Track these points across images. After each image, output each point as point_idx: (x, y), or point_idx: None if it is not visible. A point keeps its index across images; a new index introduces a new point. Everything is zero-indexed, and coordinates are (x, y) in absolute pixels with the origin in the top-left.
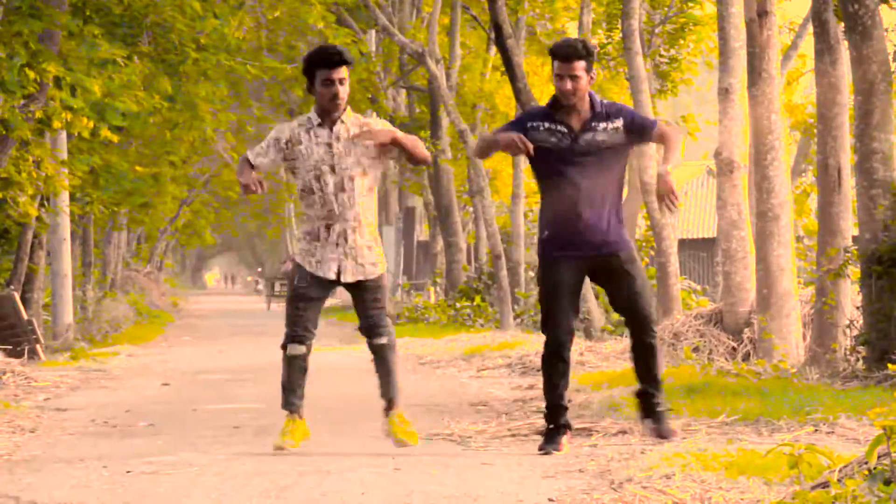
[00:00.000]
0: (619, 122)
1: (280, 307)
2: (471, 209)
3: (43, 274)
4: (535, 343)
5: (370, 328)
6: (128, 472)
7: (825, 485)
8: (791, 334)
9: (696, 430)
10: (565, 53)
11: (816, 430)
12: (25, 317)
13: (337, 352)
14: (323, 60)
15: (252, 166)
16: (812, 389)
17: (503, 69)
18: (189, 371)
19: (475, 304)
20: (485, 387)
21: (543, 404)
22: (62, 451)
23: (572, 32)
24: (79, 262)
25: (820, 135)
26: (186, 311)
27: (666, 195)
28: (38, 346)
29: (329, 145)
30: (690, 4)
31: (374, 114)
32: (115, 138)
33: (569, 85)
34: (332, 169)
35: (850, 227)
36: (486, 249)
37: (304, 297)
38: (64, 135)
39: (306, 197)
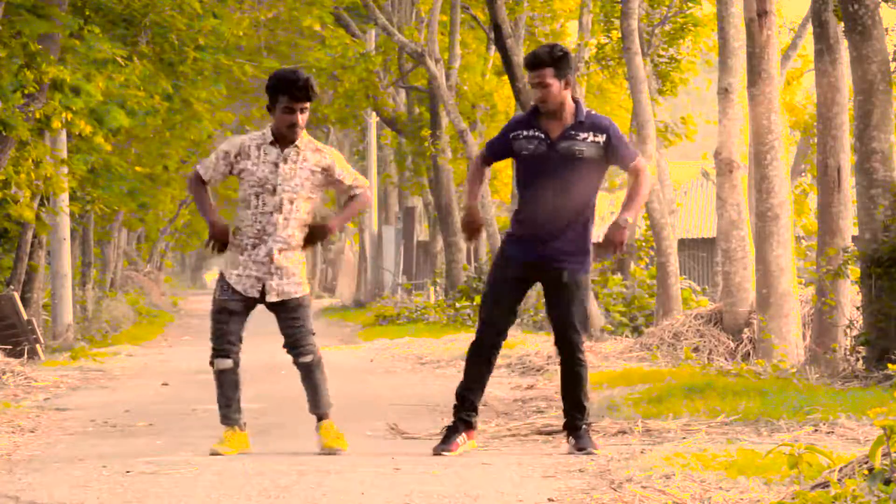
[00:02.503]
0: (602, 138)
1: None
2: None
3: (43, 274)
4: (534, 343)
5: (293, 346)
6: (128, 472)
7: (825, 485)
8: (791, 334)
9: (696, 430)
10: (530, 62)
11: (816, 430)
12: (25, 317)
13: (337, 352)
14: (287, 90)
15: (204, 183)
16: (812, 389)
17: (503, 69)
18: (189, 371)
19: (475, 303)
20: None
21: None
22: (62, 451)
23: (572, 32)
24: (78, 261)
25: (820, 135)
26: (186, 311)
27: (613, 245)
28: (38, 346)
29: (276, 165)
30: (690, 5)
31: (375, 113)
32: (109, 147)
33: (539, 93)
34: (274, 189)
35: (849, 227)
36: (486, 249)
37: (225, 310)
38: (64, 135)
39: (242, 210)
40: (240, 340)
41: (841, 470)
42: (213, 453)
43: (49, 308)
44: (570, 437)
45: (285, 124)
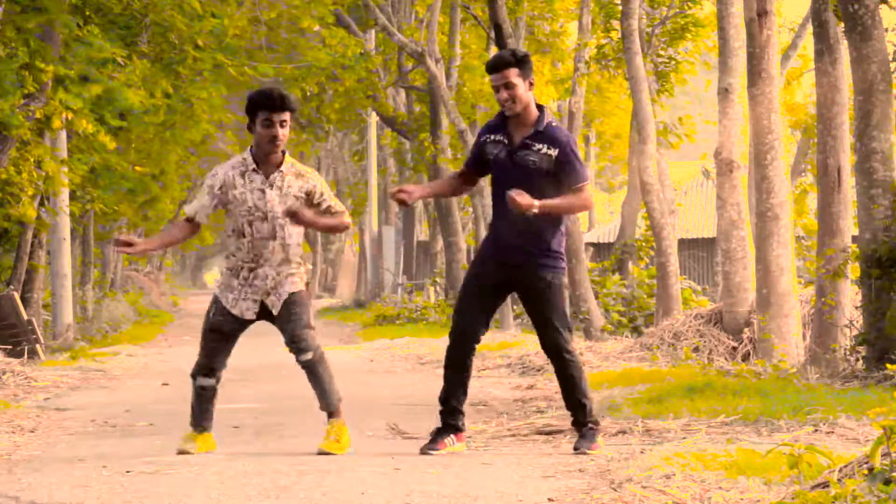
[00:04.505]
0: (555, 152)
1: None
2: (470, 209)
3: (43, 274)
4: (534, 343)
5: (291, 342)
6: (128, 472)
7: (825, 485)
8: (791, 334)
9: (696, 430)
10: (493, 64)
11: (816, 430)
12: (25, 317)
13: (337, 351)
14: (265, 103)
15: (189, 221)
16: (812, 389)
17: None
18: (189, 371)
19: None
20: (485, 387)
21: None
22: (62, 451)
23: (572, 32)
24: (79, 261)
25: (820, 135)
26: (186, 311)
27: (515, 204)
28: (38, 346)
29: (262, 191)
30: (690, 5)
31: (375, 113)
32: (112, 144)
33: (504, 94)
34: (265, 216)
35: (850, 227)
36: None
37: (217, 331)
38: (64, 135)
39: (235, 239)
40: (226, 360)
41: (841, 470)
42: (183, 452)
43: (49, 308)
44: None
45: (266, 139)
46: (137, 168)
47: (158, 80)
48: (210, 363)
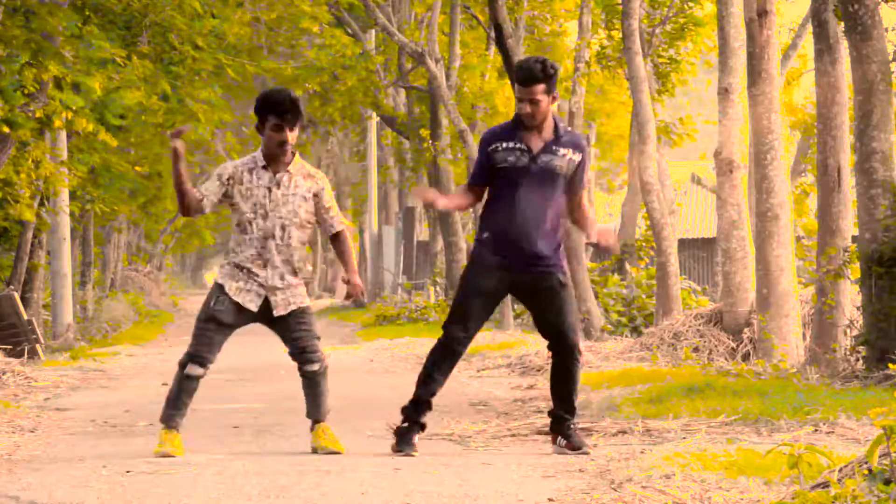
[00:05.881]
0: (578, 157)
1: None
2: (471, 209)
3: (43, 274)
4: (534, 343)
5: (300, 353)
6: (128, 472)
7: (825, 485)
8: (791, 334)
9: (696, 430)
10: (523, 78)
11: (816, 430)
12: (25, 317)
13: (337, 352)
14: (275, 107)
15: (199, 200)
16: (812, 389)
17: (504, 69)
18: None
19: None
20: (485, 387)
21: (411, 397)
22: (62, 451)
23: (572, 32)
24: (78, 261)
25: (820, 135)
26: (186, 311)
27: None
28: (38, 346)
29: (269, 189)
30: (690, 5)
31: (375, 113)
32: (115, 142)
33: (528, 108)
34: (266, 214)
35: (850, 227)
36: None
37: (216, 321)
38: (64, 135)
39: (238, 234)
40: (218, 353)
41: (841, 470)
42: (166, 455)
43: (49, 308)
44: (560, 438)
45: (275, 143)
46: (137, 168)
47: (158, 80)
48: (202, 352)
